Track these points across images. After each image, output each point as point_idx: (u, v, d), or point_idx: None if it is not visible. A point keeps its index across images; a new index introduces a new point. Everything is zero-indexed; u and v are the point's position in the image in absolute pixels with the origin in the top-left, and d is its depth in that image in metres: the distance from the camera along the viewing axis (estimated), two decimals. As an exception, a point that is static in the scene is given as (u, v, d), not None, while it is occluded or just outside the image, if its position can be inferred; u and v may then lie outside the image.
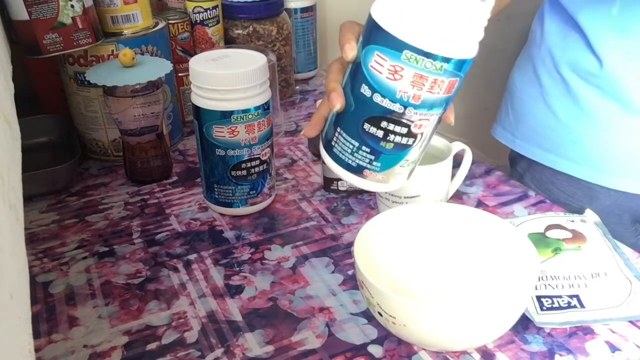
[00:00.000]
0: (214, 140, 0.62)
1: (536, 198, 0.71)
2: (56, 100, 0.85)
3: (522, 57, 0.84)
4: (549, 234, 0.62)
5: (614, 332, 0.51)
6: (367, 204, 0.70)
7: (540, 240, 0.61)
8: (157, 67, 0.70)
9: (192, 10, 0.87)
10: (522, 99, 0.81)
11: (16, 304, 0.28)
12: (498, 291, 0.51)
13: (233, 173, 0.64)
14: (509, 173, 0.86)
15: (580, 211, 0.67)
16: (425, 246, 0.56)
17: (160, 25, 0.80)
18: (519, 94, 0.82)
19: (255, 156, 0.64)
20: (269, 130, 0.65)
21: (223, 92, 0.60)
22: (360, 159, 0.50)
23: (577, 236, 0.61)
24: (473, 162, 0.68)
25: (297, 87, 1.06)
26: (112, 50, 0.75)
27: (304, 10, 1.04)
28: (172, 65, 0.72)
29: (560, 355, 0.49)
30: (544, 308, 0.52)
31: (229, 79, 0.59)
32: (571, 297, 0.54)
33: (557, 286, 0.55)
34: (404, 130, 0.48)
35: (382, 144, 0.49)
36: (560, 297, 0.54)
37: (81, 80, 0.76)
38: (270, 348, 0.50)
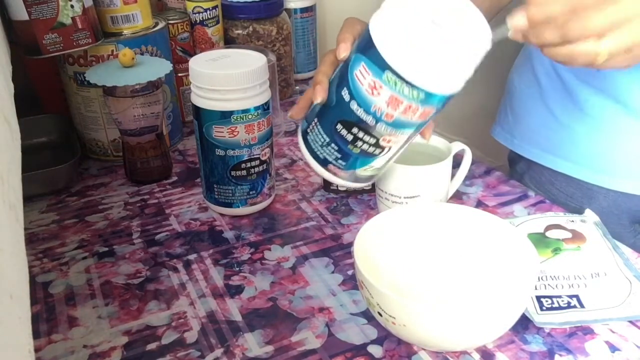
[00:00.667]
0: (213, 140, 0.62)
1: (536, 198, 0.71)
2: (56, 100, 0.85)
3: (521, 58, 0.84)
4: (548, 234, 0.62)
5: (613, 332, 0.51)
6: (367, 204, 0.70)
7: (540, 240, 0.61)
8: (157, 67, 0.70)
9: (192, 11, 0.87)
10: (521, 99, 0.81)
11: (16, 304, 0.28)
12: (498, 291, 0.51)
13: (233, 173, 0.64)
14: (508, 173, 0.86)
15: (579, 211, 0.67)
16: (425, 246, 0.56)
17: (160, 26, 0.80)
18: (518, 95, 0.82)
19: (255, 156, 0.64)
20: (268, 130, 0.65)
21: (223, 92, 0.60)
22: (327, 154, 0.52)
23: (576, 236, 0.61)
24: (473, 162, 0.68)
25: (297, 87, 1.06)
26: (112, 51, 0.75)
27: (304, 10, 1.04)
28: (171, 65, 0.72)
29: (560, 355, 0.49)
30: (544, 308, 0.52)
31: (229, 79, 0.59)
32: (571, 297, 0.54)
33: (556, 286, 0.55)
34: (372, 140, 0.50)
35: (350, 147, 0.51)
36: (560, 297, 0.54)
37: (81, 81, 0.76)
38: (270, 348, 0.50)
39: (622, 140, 0.72)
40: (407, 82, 0.45)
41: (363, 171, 0.54)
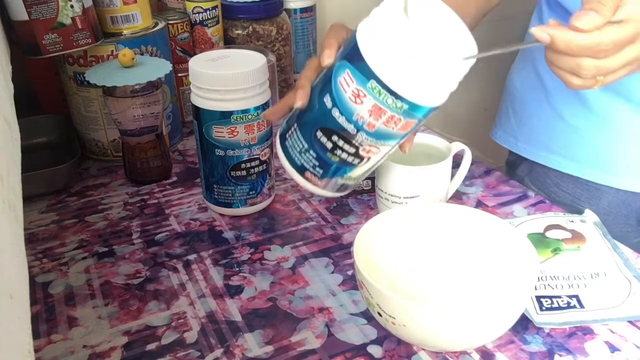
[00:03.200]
0: (213, 140, 0.62)
1: (536, 198, 0.71)
2: (56, 100, 0.85)
3: (521, 59, 0.84)
4: (548, 234, 0.62)
5: (613, 332, 0.51)
6: (366, 204, 0.70)
7: (539, 240, 0.61)
8: (157, 68, 0.70)
9: (192, 11, 0.87)
10: (525, 101, 0.81)
11: (16, 305, 0.28)
12: (498, 291, 0.51)
13: (232, 173, 0.64)
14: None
15: (581, 212, 0.67)
16: (425, 246, 0.56)
17: (160, 26, 0.80)
18: (521, 96, 0.82)
19: (255, 156, 0.64)
20: (268, 130, 0.65)
21: (223, 92, 0.60)
22: (305, 161, 0.51)
23: (576, 236, 0.61)
24: (472, 163, 0.68)
25: (297, 88, 1.05)
26: (112, 51, 0.75)
27: (304, 10, 1.04)
28: (171, 65, 0.72)
29: (560, 355, 0.49)
30: (544, 308, 0.53)
31: (228, 79, 0.59)
32: (571, 297, 0.54)
33: (556, 286, 0.55)
34: (352, 150, 0.49)
35: (329, 154, 0.50)
36: (559, 297, 0.54)
37: (81, 81, 0.76)
38: (269, 348, 0.50)
39: (631, 139, 0.72)
40: (391, 92, 0.45)
41: (340, 180, 0.53)
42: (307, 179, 0.53)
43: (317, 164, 0.51)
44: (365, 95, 0.46)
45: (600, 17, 0.43)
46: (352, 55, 0.46)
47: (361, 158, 0.50)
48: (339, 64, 0.47)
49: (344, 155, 0.50)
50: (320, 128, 0.49)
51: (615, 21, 0.44)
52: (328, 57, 0.49)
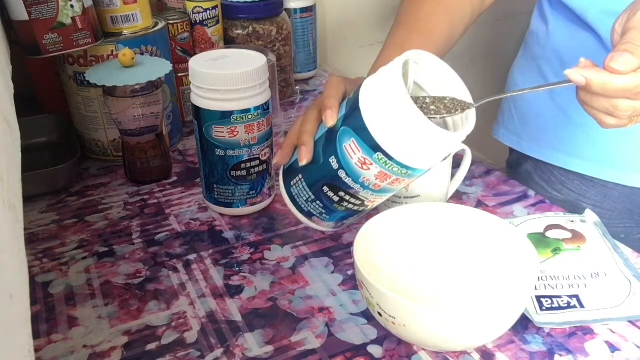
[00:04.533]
0: (213, 140, 0.62)
1: (536, 198, 0.71)
2: (56, 100, 0.85)
3: (523, 58, 0.83)
4: (548, 234, 0.62)
5: (613, 332, 0.51)
6: (366, 204, 0.70)
7: (540, 240, 0.61)
8: (157, 67, 0.70)
9: (192, 11, 0.87)
10: (528, 100, 0.81)
11: (16, 304, 0.28)
12: (498, 291, 0.51)
13: (233, 173, 0.64)
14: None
15: (582, 211, 0.67)
16: (425, 246, 0.56)
17: (160, 26, 0.80)
18: (524, 95, 0.81)
19: (255, 156, 0.64)
20: (268, 130, 0.65)
21: (223, 92, 0.60)
22: (312, 209, 0.55)
23: (576, 236, 0.61)
24: (473, 163, 0.68)
25: (297, 87, 1.06)
26: (112, 51, 0.75)
27: (304, 10, 1.04)
28: (171, 65, 0.72)
29: (560, 355, 0.49)
30: (544, 308, 0.53)
31: (228, 79, 0.59)
32: (571, 297, 0.54)
33: (556, 286, 0.55)
34: (358, 202, 0.53)
35: (336, 206, 0.53)
36: (559, 297, 0.54)
37: (81, 81, 0.76)
38: (270, 348, 0.50)
39: (638, 135, 0.72)
40: (397, 163, 0.47)
41: (347, 221, 0.57)
42: (314, 222, 0.57)
43: (324, 212, 0.55)
44: (371, 164, 0.48)
45: (636, 59, 0.43)
46: (356, 125, 0.48)
47: (367, 206, 0.54)
48: (343, 129, 0.49)
49: (350, 206, 0.53)
50: (327, 184, 0.52)
51: None
52: (331, 119, 0.50)
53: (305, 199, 0.54)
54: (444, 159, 0.51)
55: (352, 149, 0.48)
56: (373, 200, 0.53)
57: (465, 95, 0.49)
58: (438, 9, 0.69)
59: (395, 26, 0.68)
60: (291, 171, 0.55)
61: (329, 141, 0.51)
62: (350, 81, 0.56)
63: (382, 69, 0.48)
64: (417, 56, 0.49)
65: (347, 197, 0.52)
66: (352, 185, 0.50)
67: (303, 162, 0.52)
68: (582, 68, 0.45)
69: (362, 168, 0.48)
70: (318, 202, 0.53)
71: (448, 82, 0.50)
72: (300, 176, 0.54)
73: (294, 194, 0.55)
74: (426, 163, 0.48)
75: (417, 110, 0.44)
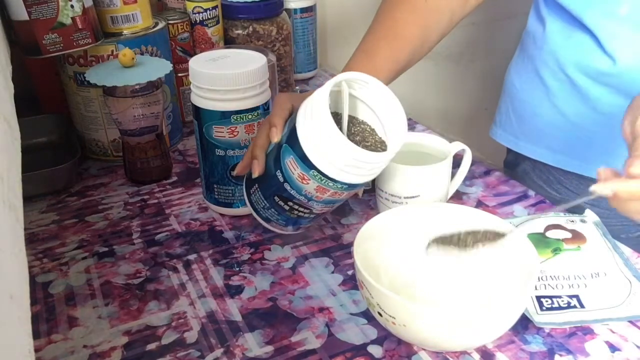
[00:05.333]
0: (213, 140, 0.62)
1: (536, 198, 0.71)
2: (56, 100, 0.85)
3: (520, 59, 0.83)
4: (548, 234, 0.62)
5: (613, 332, 0.51)
6: (367, 204, 0.70)
7: (540, 240, 0.61)
8: (157, 67, 0.70)
9: (192, 11, 0.87)
10: (525, 100, 0.81)
11: (16, 304, 0.28)
12: (498, 291, 0.51)
13: (233, 173, 0.64)
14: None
15: (581, 211, 0.67)
16: (425, 246, 0.56)
17: (160, 26, 0.80)
18: (521, 96, 0.81)
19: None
20: (268, 130, 0.65)
21: (223, 92, 0.60)
22: (269, 215, 0.59)
23: (576, 236, 0.61)
24: (472, 163, 0.68)
25: (297, 87, 1.06)
26: (112, 51, 0.75)
27: (304, 10, 1.04)
28: (171, 65, 0.72)
29: (560, 355, 0.49)
30: (544, 308, 0.53)
31: (229, 79, 0.59)
32: (571, 297, 0.54)
33: (556, 286, 0.55)
34: (307, 211, 0.57)
35: (288, 214, 0.57)
36: (560, 297, 0.54)
37: (81, 81, 0.76)
38: (270, 348, 0.50)
39: None
40: (330, 179, 0.51)
41: (301, 226, 0.61)
42: (272, 226, 0.60)
43: (279, 218, 0.58)
44: (309, 179, 0.52)
45: None
46: (294, 144, 0.52)
47: (316, 214, 0.58)
48: (284, 147, 0.53)
49: (301, 214, 0.57)
50: (277, 195, 0.56)
51: None
52: (276, 136, 0.55)
53: (262, 206, 0.58)
54: (376, 175, 0.54)
55: (292, 165, 0.52)
56: (321, 210, 0.57)
57: (401, 119, 0.53)
58: (410, 16, 0.70)
59: (367, 33, 0.70)
60: (250, 180, 0.58)
61: (276, 156, 0.55)
62: (298, 97, 0.58)
63: (317, 90, 0.51)
64: (353, 77, 0.53)
65: (296, 207, 0.56)
66: (297, 197, 0.54)
67: (255, 174, 0.56)
68: (607, 181, 0.47)
69: (303, 182, 0.53)
70: (273, 209, 0.57)
71: (388, 103, 0.54)
72: (256, 186, 0.58)
73: (253, 201, 0.59)
74: (359, 179, 0.52)
75: (336, 130, 0.48)
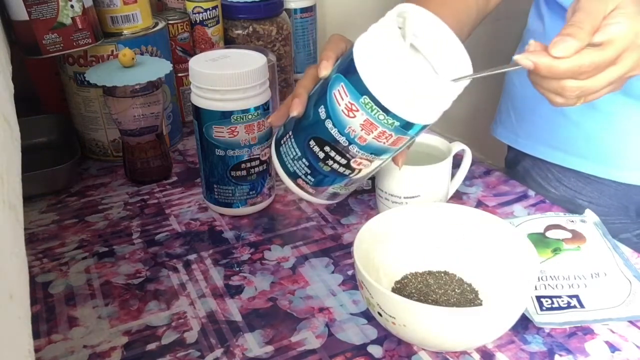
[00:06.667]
0: (213, 140, 0.62)
1: (536, 198, 0.71)
2: (56, 100, 0.85)
3: None
4: (548, 234, 0.62)
5: (613, 332, 0.51)
6: (366, 204, 0.70)
7: (540, 240, 0.61)
8: (157, 68, 0.70)
9: (192, 11, 0.87)
10: (525, 98, 0.81)
11: (16, 304, 0.28)
12: (498, 291, 0.51)
13: (233, 173, 0.64)
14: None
15: (582, 209, 0.67)
16: (425, 246, 0.56)
17: (160, 26, 0.80)
18: (520, 94, 0.82)
19: (255, 156, 0.64)
20: (268, 130, 0.65)
21: (223, 92, 0.60)
22: (298, 168, 0.53)
23: (576, 236, 0.61)
24: (472, 163, 0.68)
25: (297, 87, 1.05)
26: (112, 51, 0.75)
27: (304, 10, 1.04)
28: (171, 65, 0.72)
29: (560, 355, 0.49)
30: (544, 308, 0.52)
31: (228, 79, 0.59)
32: (571, 297, 0.54)
33: (556, 286, 0.55)
34: (344, 161, 0.51)
35: (320, 164, 0.52)
36: (560, 297, 0.54)
37: (81, 81, 0.76)
38: (270, 348, 0.50)
39: (633, 132, 0.72)
40: (383, 109, 0.46)
41: (331, 189, 0.55)
42: (298, 185, 0.54)
43: (309, 172, 0.53)
44: (357, 110, 0.47)
45: (577, 41, 0.44)
46: (347, 70, 0.47)
47: (352, 169, 0.52)
48: (335, 77, 0.48)
49: (336, 166, 0.51)
50: (313, 138, 0.50)
51: (596, 43, 0.45)
52: (325, 69, 0.50)
53: (292, 156, 0.53)
54: (429, 123, 0.49)
55: (340, 95, 0.47)
56: (359, 162, 0.51)
57: (466, 63, 0.48)
58: (443, 9, 0.69)
59: None
60: (282, 133, 0.54)
61: (321, 93, 0.50)
62: (351, 41, 0.55)
63: (376, 23, 0.47)
64: (411, 10, 0.48)
65: (333, 154, 0.50)
66: (337, 138, 0.49)
67: (294, 113, 0.51)
68: (530, 52, 0.46)
69: (349, 115, 0.47)
70: (304, 159, 0.52)
71: (448, 49, 0.49)
72: (290, 134, 0.53)
73: (282, 152, 0.54)
74: (414, 115, 0.47)
75: (410, 52, 0.43)
